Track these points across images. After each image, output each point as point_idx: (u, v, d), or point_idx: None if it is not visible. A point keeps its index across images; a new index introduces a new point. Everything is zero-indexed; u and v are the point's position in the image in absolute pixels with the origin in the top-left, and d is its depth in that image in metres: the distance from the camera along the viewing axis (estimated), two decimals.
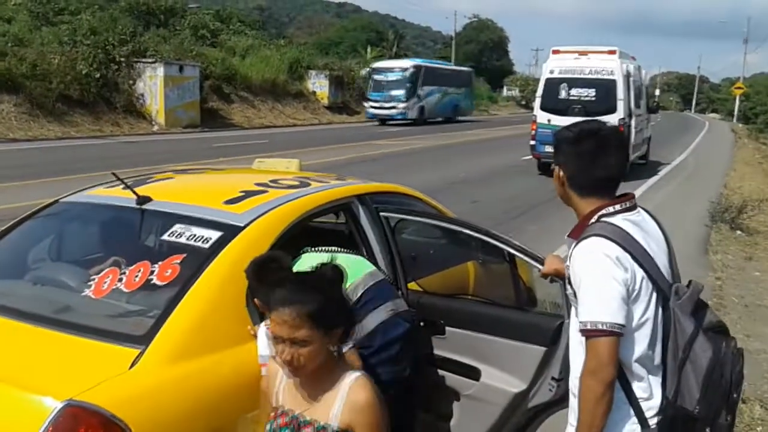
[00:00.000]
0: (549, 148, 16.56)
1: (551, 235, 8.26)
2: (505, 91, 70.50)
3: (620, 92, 16.20)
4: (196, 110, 27.57)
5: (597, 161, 2.28)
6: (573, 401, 2.29)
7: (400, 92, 35.16)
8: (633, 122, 16.93)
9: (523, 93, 64.81)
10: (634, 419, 2.21)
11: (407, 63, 38.21)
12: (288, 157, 4.54)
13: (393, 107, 35.04)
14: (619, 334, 2.12)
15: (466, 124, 37.98)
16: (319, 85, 37.69)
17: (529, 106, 51.87)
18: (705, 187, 15.91)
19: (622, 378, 2.19)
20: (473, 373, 3.32)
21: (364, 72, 40.93)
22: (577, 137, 2.32)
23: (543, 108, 16.85)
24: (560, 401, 3.17)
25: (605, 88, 16.25)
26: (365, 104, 36.94)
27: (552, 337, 3.11)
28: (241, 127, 29.12)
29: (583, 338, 2.18)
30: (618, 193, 2.35)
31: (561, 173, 2.34)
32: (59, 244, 3.38)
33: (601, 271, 2.14)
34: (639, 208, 2.34)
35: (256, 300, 2.74)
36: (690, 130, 40.89)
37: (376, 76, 36.47)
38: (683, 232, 10.05)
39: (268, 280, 2.68)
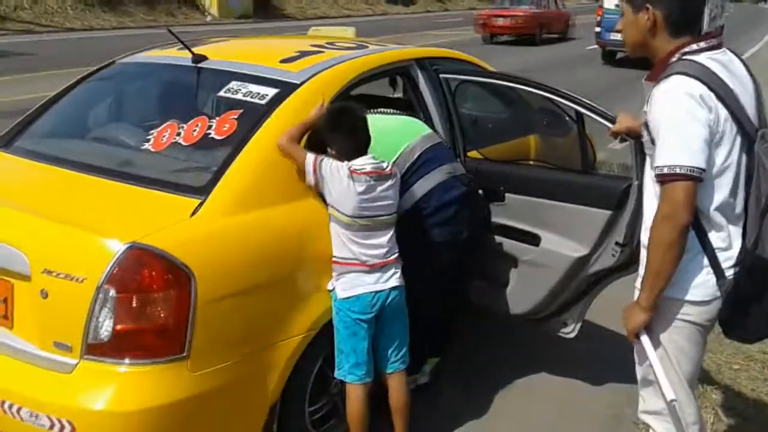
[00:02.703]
0: (614, 36, 15.85)
1: None
2: None
3: None
4: (249, 0, 27.14)
5: None
6: (643, 253, 2.21)
7: None
8: (707, 8, 15.94)
9: None
10: (710, 269, 2.12)
11: None
12: None
13: None
14: (698, 179, 1.99)
15: None
16: None
17: None
18: None
19: (698, 227, 2.09)
20: (532, 239, 3.26)
21: None
22: None
23: None
24: (623, 267, 3.11)
25: None
26: None
27: (618, 200, 3.00)
28: (294, 18, 28.64)
29: (658, 186, 2.07)
30: None
31: (654, 12, 2.12)
32: (118, 103, 3.40)
33: (684, 110, 2.00)
34: (725, 48, 2.16)
35: (330, 149, 2.71)
36: (764, 23, 38.50)
37: None
38: None
39: (343, 128, 2.66)
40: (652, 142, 2.10)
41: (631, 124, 2.81)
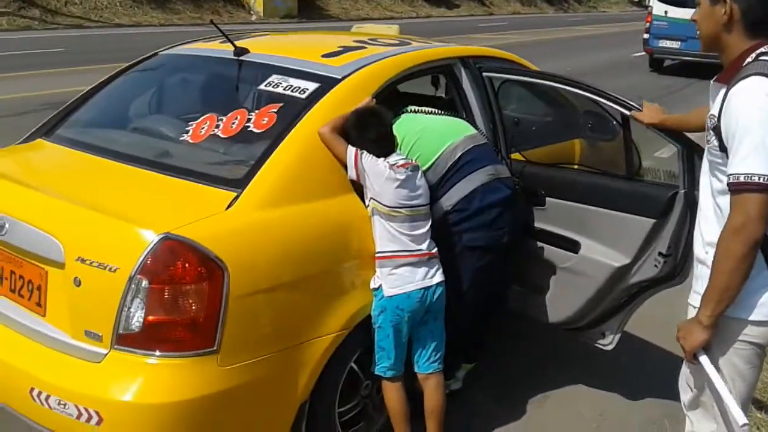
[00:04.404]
0: (663, 43, 15.49)
1: None
2: None
3: None
4: (294, 0, 27.32)
5: None
6: (700, 269, 2.10)
7: None
8: None
9: None
10: None
11: None
12: None
13: None
14: None
15: (571, 19, 36.02)
16: None
17: (641, 4, 48.71)
18: None
19: (764, 241, 1.95)
20: (572, 246, 3.16)
21: None
22: None
23: None
24: (666, 279, 3.00)
25: None
26: None
27: (663, 208, 2.88)
28: (338, 19, 28.70)
29: (721, 198, 1.95)
30: None
31: (732, 5, 1.99)
32: (159, 94, 3.39)
33: (765, 114, 1.86)
34: None
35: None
36: None
37: None
38: None
39: (367, 133, 2.63)
40: (721, 148, 1.97)
41: (655, 119, 2.81)
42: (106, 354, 2.21)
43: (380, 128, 2.71)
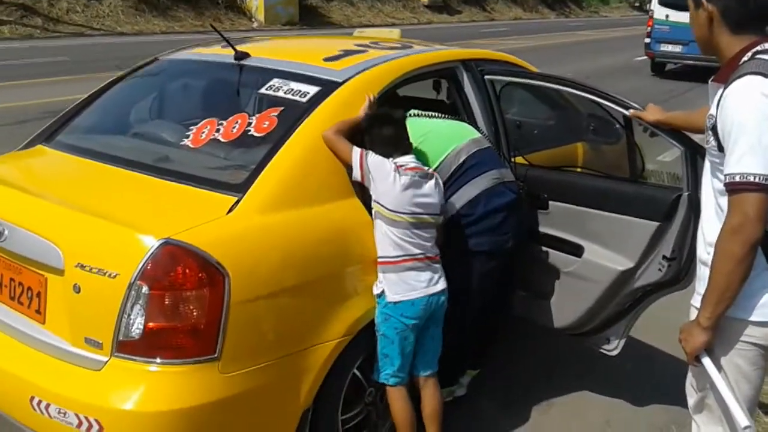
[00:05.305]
0: (665, 47, 15.49)
1: None
2: None
3: None
4: (295, 7, 27.34)
5: None
6: (702, 270, 2.08)
7: None
8: None
9: None
10: None
11: None
12: None
13: None
14: None
15: (572, 24, 36.05)
16: None
17: (642, 9, 48.73)
18: None
19: (765, 241, 1.93)
20: (575, 250, 3.13)
21: None
22: None
23: (662, 2, 15.54)
24: (670, 283, 2.97)
25: None
26: None
27: (667, 211, 2.85)
28: (339, 26, 28.75)
29: (722, 198, 1.92)
30: None
31: (710, 8, 2.00)
32: (159, 100, 3.37)
33: (760, 114, 1.84)
34: None
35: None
36: None
37: None
38: None
39: (382, 131, 2.66)
40: (719, 148, 1.94)
41: (660, 116, 2.76)
42: (107, 361, 2.18)
43: (392, 125, 2.69)
